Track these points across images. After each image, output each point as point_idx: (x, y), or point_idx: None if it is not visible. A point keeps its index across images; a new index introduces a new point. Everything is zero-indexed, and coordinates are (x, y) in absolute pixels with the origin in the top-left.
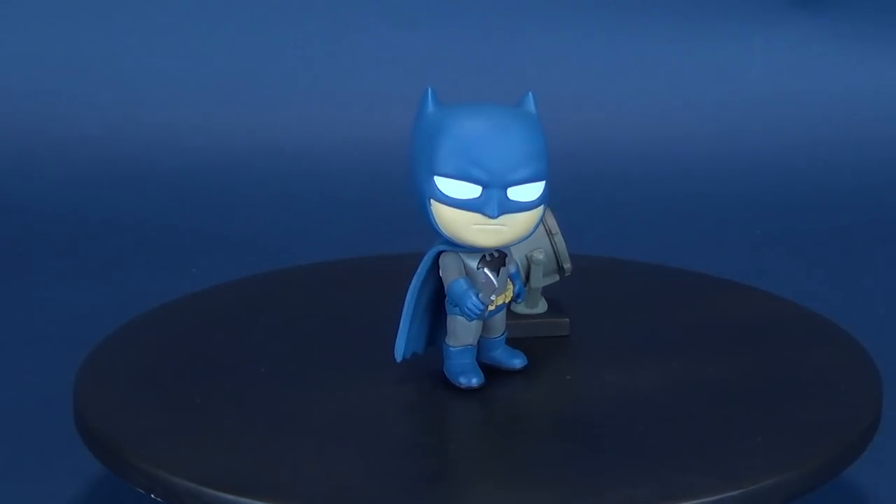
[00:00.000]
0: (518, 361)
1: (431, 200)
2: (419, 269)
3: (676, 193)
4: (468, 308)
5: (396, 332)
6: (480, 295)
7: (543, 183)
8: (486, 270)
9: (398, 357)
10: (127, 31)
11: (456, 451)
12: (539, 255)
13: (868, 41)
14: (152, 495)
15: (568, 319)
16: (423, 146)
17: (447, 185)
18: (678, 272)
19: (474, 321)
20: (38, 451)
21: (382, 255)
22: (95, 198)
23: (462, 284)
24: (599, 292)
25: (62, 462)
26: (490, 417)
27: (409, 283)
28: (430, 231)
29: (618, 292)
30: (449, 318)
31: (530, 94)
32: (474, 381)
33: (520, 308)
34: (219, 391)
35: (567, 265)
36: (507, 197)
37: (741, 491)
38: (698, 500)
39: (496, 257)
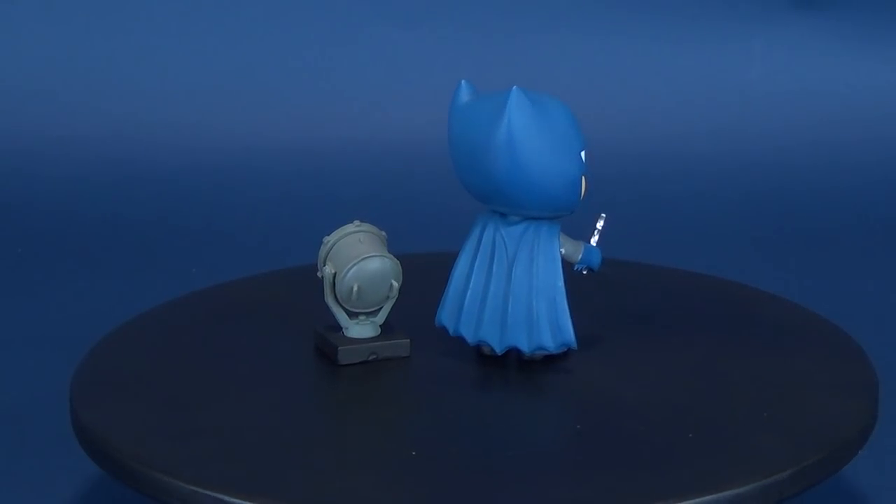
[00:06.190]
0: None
1: (584, 176)
2: (555, 261)
3: (676, 193)
4: (601, 260)
5: (559, 324)
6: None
7: None
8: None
9: (575, 344)
10: (127, 31)
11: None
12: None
13: (868, 41)
14: (149, 497)
15: (409, 340)
16: (553, 132)
17: (583, 157)
18: (677, 272)
19: None
20: (35, 452)
21: None
22: (95, 198)
23: (593, 246)
24: (598, 293)
25: (59, 463)
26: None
27: (550, 275)
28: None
29: (616, 293)
30: None
31: (463, 81)
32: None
33: (354, 332)
34: (217, 392)
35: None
36: None
37: (741, 489)
38: (698, 498)
39: None
